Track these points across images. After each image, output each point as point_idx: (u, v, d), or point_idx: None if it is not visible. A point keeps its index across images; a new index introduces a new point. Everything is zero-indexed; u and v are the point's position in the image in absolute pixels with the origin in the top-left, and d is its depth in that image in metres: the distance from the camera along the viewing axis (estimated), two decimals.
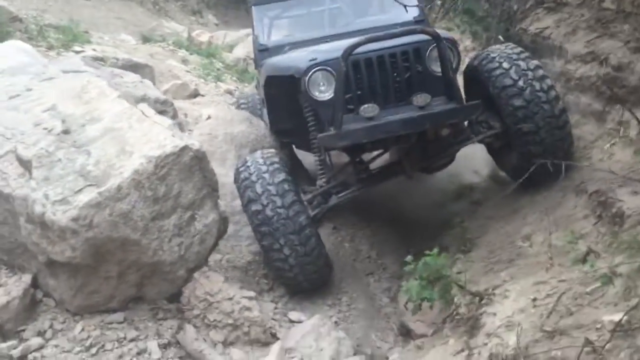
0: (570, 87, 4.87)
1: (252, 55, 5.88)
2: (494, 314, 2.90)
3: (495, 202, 4.83)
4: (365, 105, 4.06)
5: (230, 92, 9.25)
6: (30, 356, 3.49)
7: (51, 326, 3.72)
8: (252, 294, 3.98)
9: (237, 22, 16.38)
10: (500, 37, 5.82)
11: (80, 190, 3.48)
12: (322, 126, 4.31)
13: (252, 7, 5.65)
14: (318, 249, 4.23)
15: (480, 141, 4.57)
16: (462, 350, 2.89)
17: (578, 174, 4.18)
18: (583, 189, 3.88)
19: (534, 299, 2.80)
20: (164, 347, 3.69)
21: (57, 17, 10.93)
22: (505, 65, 4.26)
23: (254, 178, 4.21)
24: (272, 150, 4.62)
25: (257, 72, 5.88)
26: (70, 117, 4.02)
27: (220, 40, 12.66)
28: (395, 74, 4.16)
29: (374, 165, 4.84)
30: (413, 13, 5.16)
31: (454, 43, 4.28)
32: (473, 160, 5.43)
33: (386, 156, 5.07)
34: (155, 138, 3.78)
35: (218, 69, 10.55)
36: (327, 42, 5.00)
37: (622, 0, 4.42)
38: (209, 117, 6.68)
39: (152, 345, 3.65)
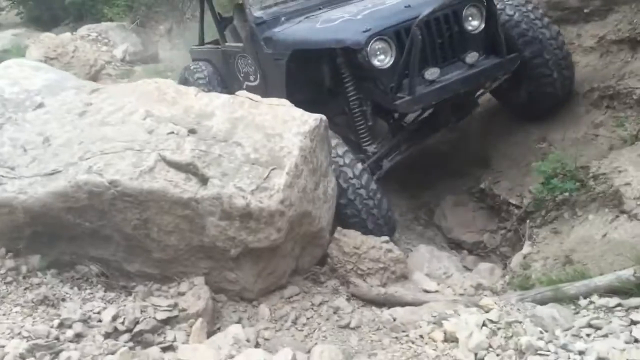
0: None
1: None
2: (628, 184, 3.95)
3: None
4: (430, 70, 4.47)
5: None
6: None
7: (240, 319, 3.80)
8: (386, 238, 4.48)
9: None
10: None
11: (268, 176, 3.63)
12: (371, 92, 4.72)
13: None
14: (390, 212, 4.70)
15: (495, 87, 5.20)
16: (617, 217, 3.87)
17: None
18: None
19: None
20: (347, 300, 4.04)
21: None
22: (517, 17, 4.94)
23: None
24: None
25: (247, 46, 5.79)
26: (176, 119, 3.98)
27: None
28: (440, 37, 4.57)
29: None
30: None
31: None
32: None
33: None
34: (289, 116, 4.01)
35: None
36: (321, 9, 5.33)
37: None
38: None
39: (341, 302, 3.98)
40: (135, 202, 3.52)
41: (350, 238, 4.32)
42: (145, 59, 13.80)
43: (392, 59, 4.48)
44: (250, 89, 5.74)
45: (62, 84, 4.29)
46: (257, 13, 5.47)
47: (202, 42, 7.29)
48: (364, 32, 4.45)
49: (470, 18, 4.69)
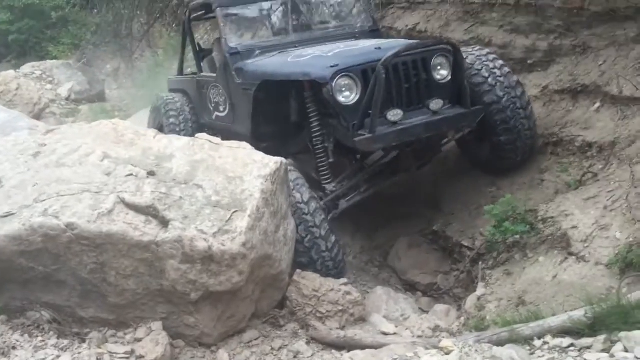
0: None
1: None
2: (575, 227, 4.13)
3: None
4: (393, 111, 4.50)
5: None
6: None
7: None
8: (345, 280, 4.50)
9: None
10: None
11: (230, 219, 3.63)
12: (334, 129, 4.77)
13: (217, 8, 5.65)
14: (340, 256, 4.64)
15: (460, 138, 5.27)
16: (566, 259, 4.03)
17: None
18: None
19: (605, 207, 4.12)
20: (307, 344, 4.03)
21: None
22: (477, 66, 4.95)
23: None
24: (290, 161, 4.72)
25: (220, 76, 5.87)
26: (134, 160, 3.96)
27: None
28: (407, 82, 4.63)
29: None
30: (368, 23, 5.93)
31: (458, 51, 4.74)
32: None
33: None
34: (250, 159, 4.05)
35: None
36: (297, 47, 5.44)
37: None
38: None
39: (301, 345, 3.96)
40: (93, 245, 3.45)
41: (309, 280, 4.32)
42: (91, 98, 13.64)
43: (357, 97, 4.52)
44: (219, 119, 5.91)
45: (14, 124, 4.23)
46: (232, 44, 5.59)
47: (180, 72, 7.32)
48: (331, 67, 4.53)
49: (439, 67, 4.77)
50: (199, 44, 7.09)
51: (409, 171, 5.31)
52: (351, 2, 6.10)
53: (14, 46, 16.30)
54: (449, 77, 4.78)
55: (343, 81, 4.51)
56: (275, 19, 5.89)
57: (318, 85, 4.61)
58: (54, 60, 14.77)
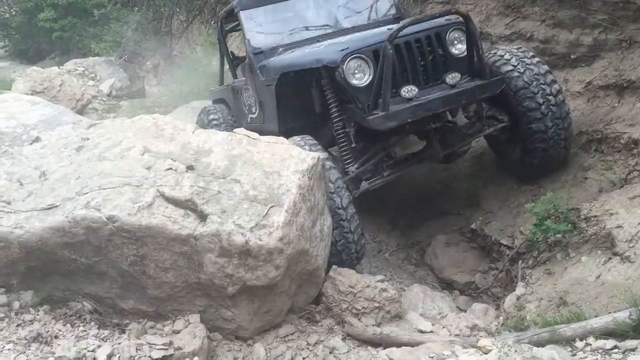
0: None
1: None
2: (620, 226, 4.01)
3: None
4: (406, 87, 4.42)
5: None
6: None
7: (235, 358, 3.76)
8: (381, 277, 4.48)
9: None
10: None
11: (267, 214, 3.63)
12: (354, 113, 4.68)
13: (239, 11, 5.75)
14: (361, 227, 4.57)
15: (488, 134, 5.13)
16: (610, 259, 3.92)
17: None
18: None
19: None
20: (343, 340, 4.02)
21: None
22: (520, 68, 4.79)
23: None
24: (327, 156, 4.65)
25: (248, 77, 5.94)
26: (174, 155, 4.00)
27: None
28: (422, 58, 4.58)
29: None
30: (392, 11, 5.90)
31: (469, 20, 4.57)
32: None
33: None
34: (287, 154, 4.05)
35: None
36: (319, 41, 5.39)
37: None
38: None
39: (337, 341, 3.95)
40: (133, 238, 3.50)
41: (345, 277, 4.31)
42: (131, 94, 13.87)
43: (370, 77, 4.47)
44: (252, 121, 5.97)
45: (58, 119, 4.30)
46: (256, 44, 5.66)
47: (221, 82, 7.49)
48: (341, 50, 4.52)
49: (455, 42, 4.72)
50: (232, 52, 7.21)
51: (433, 160, 5.17)
52: None
53: (57, 43, 16.69)
54: (464, 51, 4.70)
55: (354, 63, 4.46)
56: (297, 16, 5.87)
57: (331, 70, 4.55)
58: (96, 57, 15.08)
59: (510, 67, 4.86)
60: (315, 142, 4.65)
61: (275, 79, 5.16)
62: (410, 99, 4.46)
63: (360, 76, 4.49)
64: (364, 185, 4.80)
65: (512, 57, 4.89)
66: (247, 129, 5.92)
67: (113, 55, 15.38)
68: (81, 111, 11.56)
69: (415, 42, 4.57)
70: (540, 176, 5.19)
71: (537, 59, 4.94)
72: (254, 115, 6.05)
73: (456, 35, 4.73)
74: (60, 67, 14.02)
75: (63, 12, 16.13)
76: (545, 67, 4.89)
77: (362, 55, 4.47)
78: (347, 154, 4.84)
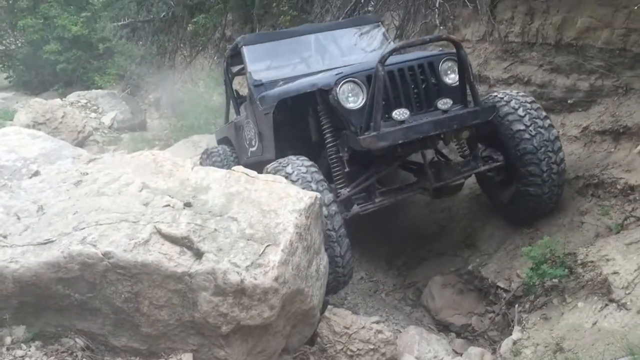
0: None
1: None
2: (616, 273, 4.02)
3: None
4: (398, 110, 4.54)
5: None
6: None
7: None
8: (377, 318, 4.45)
9: None
10: None
11: (263, 252, 3.63)
12: (347, 138, 4.74)
13: (243, 47, 5.97)
14: (350, 249, 4.63)
15: (482, 173, 5.21)
16: (607, 306, 3.91)
17: None
18: None
19: None
20: None
21: None
22: (520, 112, 4.86)
23: (293, 178, 4.45)
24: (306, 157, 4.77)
25: (249, 110, 6.09)
26: (172, 191, 4.01)
27: None
28: (415, 85, 4.72)
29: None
30: (390, 46, 5.88)
31: (460, 47, 4.66)
32: None
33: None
34: (285, 193, 4.06)
35: None
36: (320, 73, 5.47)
37: (526, 34, 6.06)
38: None
39: None
40: (128, 274, 3.48)
41: (341, 317, 4.29)
42: (133, 127, 13.98)
43: (363, 101, 4.60)
44: (252, 155, 6.09)
45: (58, 153, 4.33)
46: (257, 77, 5.82)
47: (226, 121, 7.63)
48: (335, 74, 4.70)
49: (448, 72, 4.85)
50: (236, 90, 7.43)
51: (426, 191, 5.15)
52: (373, 34, 6.23)
53: (61, 75, 16.88)
54: (457, 81, 4.80)
55: (347, 86, 4.60)
56: (298, 53, 6.13)
57: (326, 94, 4.68)
58: (99, 90, 15.25)
59: (510, 110, 4.92)
60: (310, 162, 4.70)
61: (273, 107, 5.28)
62: (402, 122, 4.56)
63: (353, 99, 4.61)
64: (355, 208, 4.83)
65: (511, 100, 4.96)
66: (247, 163, 6.07)
67: (116, 88, 15.55)
68: (82, 143, 11.64)
69: (409, 69, 4.72)
70: (530, 220, 5.22)
71: (537, 104, 5.01)
72: (253, 149, 6.13)
73: (449, 65, 4.86)
74: (63, 99, 14.17)
75: (68, 45, 16.35)
76: (544, 113, 4.97)
77: (356, 80, 4.62)
78: (340, 178, 4.89)
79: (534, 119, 4.86)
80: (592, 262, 4.20)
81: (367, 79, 4.60)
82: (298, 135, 5.33)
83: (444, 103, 4.68)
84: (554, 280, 4.28)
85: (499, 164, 5.09)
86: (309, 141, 5.32)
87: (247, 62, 5.92)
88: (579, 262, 4.27)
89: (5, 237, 3.58)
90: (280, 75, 5.83)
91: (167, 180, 4.11)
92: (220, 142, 7.56)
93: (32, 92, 16.87)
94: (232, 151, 6.93)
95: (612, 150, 5.12)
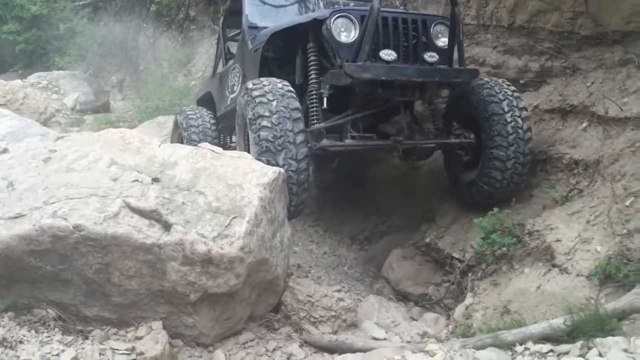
0: None
1: None
2: (559, 240, 4.32)
3: None
4: (386, 50, 4.70)
5: None
6: None
7: None
8: (338, 287, 4.68)
9: None
10: None
11: (229, 224, 3.81)
12: (331, 76, 4.81)
13: None
14: (309, 183, 4.74)
15: (450, 149, 5.49)
16: (550, 271, 4.21)
17: None
18: None
19: (587, 222, 4.31)
20: (300, 347, 4.20)
21: None
22: (501, 96, 5.07)
23: (269, 97, 4.59)
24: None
25: (238, 53, 6.19)
26: (140, 167, 4.15)
27: None
28: (405, 39, 4.82)
29: None
30: None
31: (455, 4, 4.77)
32: None
33: None
34: (249, 168, 4.23)
35: None
36: None
37: (481, 16, 6.29)
38: None
39: (294, 348, 4.13)
40: (99, 246, 3.62)
41: (304, 286, 4.50)
42: (96, 109, 13.88)
43: (354, 36, 4.74)
44: (232, 102, 6.13)
45: (26, 131, 4.42)
46: (252, 19, 6.03)
47: (213, 76, 7.65)
48: (332, 9, 5.02)
49: (439, 35, 4.99)
50: (228, 46, 7.39)
51: (395, 147, 5.20)
52: None
53: (21, 56, 16.59)
54: (447, 44, 4.95)
55: (341, 20, 4.78)
56: (298, 5, 6.23)
57: (319, 25, 4.84)
58: (60, 71, 15.05)
59: (492, 92, 5.12)
60: (291, 89, 4.78)
61: (264, 42, 5.38)
62: (388, 62, 4.73)
63: (346, 34, 4.77)
64: (325, 142, 4.91)
65: (495, 85, 5.17)
66: (226, 112, 6.22)
67: (78, 70, 15.38)
68: (45, 125, 11.39)
69: (402, 21, 4.85)
70: (484, 204, 5.22)
71: (518, 94, 5.21)
72: (234, 95, 6.16)
73: (441, 29, 4.99)
74: (24, 80, 13.95)
75: (28, 25, 16.06)
76: (523, 104, 5.15)
77: (350, 16, 4.79)
78: (315, 113, 5.00)
79: (513, 107, 5.05)
80: (537, 231, 4.49)
81: (360, 18, 4.74)
82: (282, 77, 5.15)
83: (431, 56, 4.87)
84: (503, 248, 4.56)
85: (470, 140, 5.31)
86: (292, 84, 5.20)
87: (246, 5, 6.06)
88: (526, 231, 4.56)
89: None
90: (276, 24, 5.74)
91: (135, 157, 4.23)
92: (199, 102, 7.59)
93: None
94: (208, 113, 6.94)
95: (560, 127, 5.43)
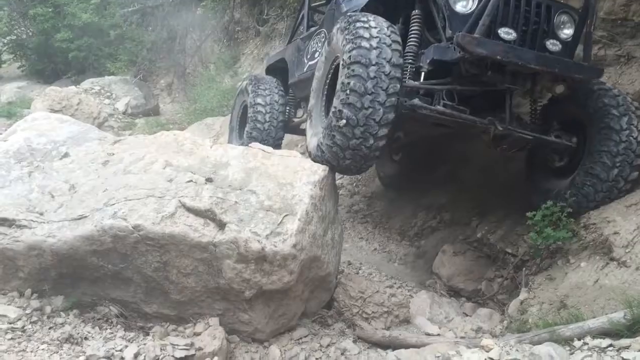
0: None
1: None
2: (617, 233, 4.22)
3: None
4: (505, 28, 4.26)
5: None
6: None
7: (252, 359, 3.98)
8: (390, 282, 4.70)
9: None
10: None
11: (281, 222, 3.88)
12: (434, 50, 4.45)
13: None
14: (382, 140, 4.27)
15: (547, 144, 4.90)
16: (607, 264, 4.12)
17: None
18: None
19: None
20: (354, 342, 4.23)
21: None
22: (622, 110, 4.53)
23: (373, 43, 4.13)
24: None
25: (327, 18, 5.82)
26: (193, 168, 4.25)
27: None
28: (527, 20, 4.38)
29: None
30: None
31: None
32: None
33: None
34: (300, 167, 4.30)
35: None
36: None
37: None
38: None
39: (348, 343, 4.16)
40: (157, 245, 3.74)
41: (356, 283, 4.54)
42: (146, 112, 14.23)
43: (473, 7, 4.35)
44: (309, 68, 5.88)
45: (85, 136, 4.57)
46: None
47: (289, 42, 7.35)
48: None
49: (561, 25, 4.58)
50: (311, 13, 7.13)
51: (488, 129, 4.69)
52: None
53: (73, 63, 17.11)
54: (570, 36, 4.57)
55: None
56: None
57: None
58: (112, 76, 15.48)
59: (613, 103, 4.61)
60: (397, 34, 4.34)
61: (362, 5, 5.01)
62: (508, 42, 4.30)
63: (463, 3, 4.38)
64: (416, 101, 4.45)
65: (619, 96, 4.66)
66: (300, 79, 6.06)
67: (128, 74, 15.79)
68: (98, 129, 11.90)
69: (526, 3, 4.40)
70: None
71: (637, 104, 4.73)
72: (313, 62, 5.77)
73: (564, 19, 4.57)
74: (77, 86, 14.42)
75: (79, 33, 16.56)
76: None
77: None
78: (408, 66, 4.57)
79: (632, 126, 4.52)
80: (594, 224, 4.40)
81: None
82: None
83: (553, 44, 4.45)
84: (557, 242, 4.48)
85: (570, 144, 4.85)
86: None
87: None
88: (582, 224, 4.48)
89: (42, 214, 3.84)
90: None
91: (188, 158, 4.34)
92: (268, 70, 7.36)
93: (46, 80, 17.13)
94: (278, 86, 6.65)
95: None
